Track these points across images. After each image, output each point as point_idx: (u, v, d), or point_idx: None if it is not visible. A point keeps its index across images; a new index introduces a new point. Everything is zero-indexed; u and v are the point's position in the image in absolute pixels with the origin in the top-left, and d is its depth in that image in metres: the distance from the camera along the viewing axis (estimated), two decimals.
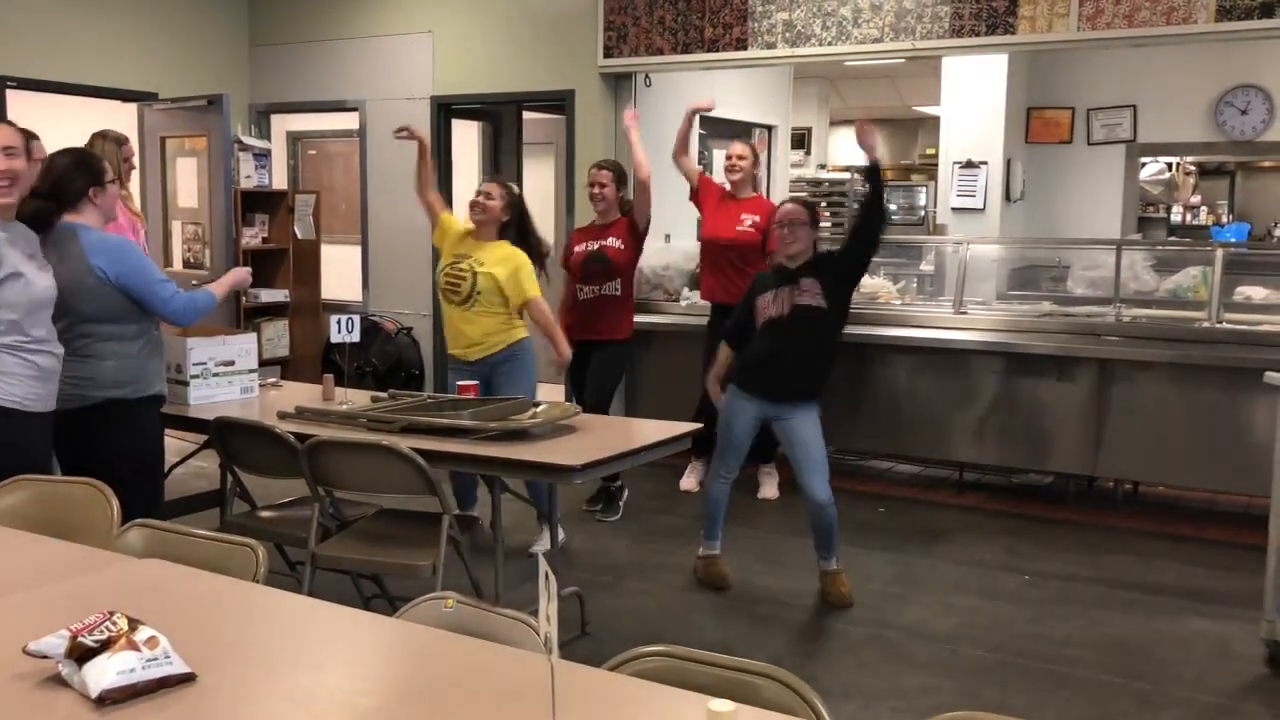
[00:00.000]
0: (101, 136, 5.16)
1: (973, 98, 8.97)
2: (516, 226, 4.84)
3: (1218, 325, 5.64)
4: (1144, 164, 10.18)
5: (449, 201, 7.41)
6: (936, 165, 9.62)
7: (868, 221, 4.49)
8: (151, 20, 7.58)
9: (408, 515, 3.90)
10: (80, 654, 1.71)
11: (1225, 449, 5.38)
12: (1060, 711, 3.60)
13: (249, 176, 7.54)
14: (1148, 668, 3.93)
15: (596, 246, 5.48)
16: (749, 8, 6.43)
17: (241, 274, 4.14)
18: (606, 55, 6.91)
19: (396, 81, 7.69)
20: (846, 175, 11.26)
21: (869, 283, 6.40)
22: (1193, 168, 11.59)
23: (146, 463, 3.65)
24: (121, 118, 7.00)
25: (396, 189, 7.30)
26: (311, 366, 7.46)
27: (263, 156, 7.68)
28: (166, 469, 3.93)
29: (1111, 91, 9.03)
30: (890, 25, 6.08)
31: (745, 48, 6.48)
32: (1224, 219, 11.40)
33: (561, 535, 4.98)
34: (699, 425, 4.23)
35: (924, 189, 10.51)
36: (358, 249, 8.06)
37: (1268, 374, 3.96)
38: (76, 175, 3.49)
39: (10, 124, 3.48)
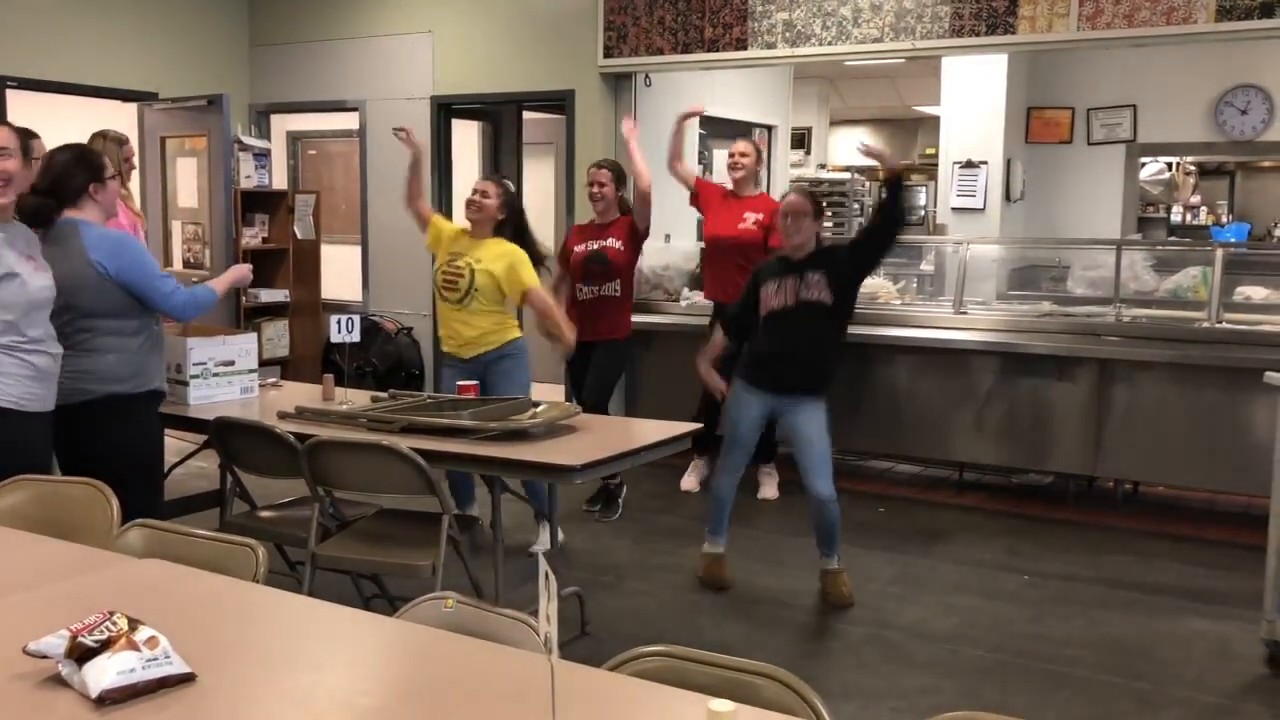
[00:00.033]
0: (102, 136, 5.17)
1: (973, 98, 8.96)
2: (513, 226, 4.84)
3: (1218, 325, 5.64)
4: (1144, 164, 10.17)
5: (449, 201, 7.45)
6: (936, 165, 9.61)
7: (882, 228, 4.45)
8: (151, 20, 7.58)
9: (407, 515, 3.90)
10: (80, 654, 1.71)
11: (1225, 449, 5.38)
12: (1060, 711, 3.60)
13: (249, 176, 7.54)
14: (1148, 668, 3.92)
15: (596, 247, 5.48)
16: (749, 8, 6.43)
17: (242, 270, 4.14)
18: (606, 55, 6.91)
19: (396, 81, 7.69)
20: (846, 175, 11.24)
21: (869, 282, 6.34)
22: (1193, 168, 11.59)
23: (146, 459, 3.65)
24: (121, 118, 7.00)
25: (396, 189, 7.18)
26: (311, 366, 7.46)
27: (263, 156, 7.68)
28: (166, 469, 3.94)
29: (1111, 91, 9.02)
30: (890, 25, 6.08)
31: (745, 48, 6.47)
32: (1224, 219, 11.40)
33: (561, 535, 4.98)
34: (699, 425, 4.23)
35: (924, 189, 10.51)
36: (358, 249, 8.06)
37: (1268, 374, 3.96)
38: (77, 171, 3.48)
39: (4, 124, 3.45)
